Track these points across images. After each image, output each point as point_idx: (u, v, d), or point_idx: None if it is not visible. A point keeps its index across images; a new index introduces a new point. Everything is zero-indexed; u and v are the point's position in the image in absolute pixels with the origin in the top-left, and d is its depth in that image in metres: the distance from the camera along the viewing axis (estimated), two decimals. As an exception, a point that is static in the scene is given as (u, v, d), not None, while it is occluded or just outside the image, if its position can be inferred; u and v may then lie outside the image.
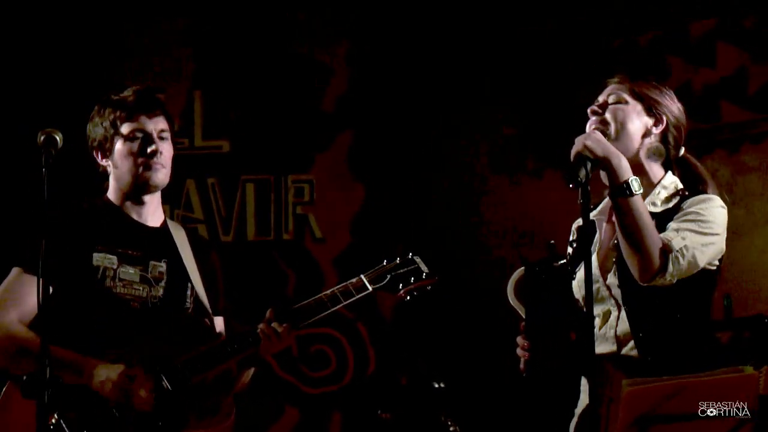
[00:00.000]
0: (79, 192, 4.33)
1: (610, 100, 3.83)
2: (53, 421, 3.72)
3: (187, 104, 6.93)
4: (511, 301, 3.70)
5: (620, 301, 3.71)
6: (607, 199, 3.82)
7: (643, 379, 3.30)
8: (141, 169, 4.11)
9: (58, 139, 3.62)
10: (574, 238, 3.94)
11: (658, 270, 3.54)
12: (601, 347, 3.69)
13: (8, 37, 6.76)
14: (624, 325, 3.70)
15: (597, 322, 3.73)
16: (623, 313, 3.70)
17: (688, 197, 3.74)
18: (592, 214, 3.85)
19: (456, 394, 5.87)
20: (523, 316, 3.66)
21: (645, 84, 3.88)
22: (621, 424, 3.14)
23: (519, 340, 3.68)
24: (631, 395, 3.14)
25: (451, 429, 5.62)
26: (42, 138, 3.62)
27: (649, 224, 3.57)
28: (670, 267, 3.55)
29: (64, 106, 6.34)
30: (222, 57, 6.92)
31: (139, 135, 4.12)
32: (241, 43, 6.90)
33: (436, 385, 5.81)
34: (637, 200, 3.57)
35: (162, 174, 4.15)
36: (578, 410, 3.83)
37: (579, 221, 3.95)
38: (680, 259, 3.56)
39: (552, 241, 3.66)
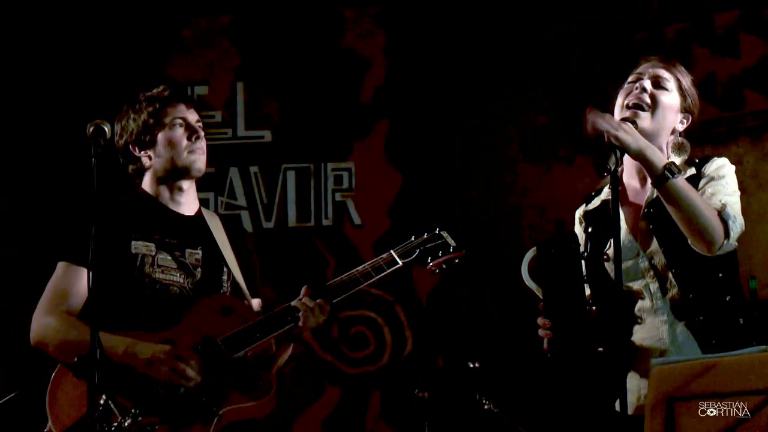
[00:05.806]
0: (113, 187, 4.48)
1: (661, 82, 3.78)
2: (101, 401, 3.70)
3: (231, 96, 7.01)
4: (526, 282, 3.69)
5: (659, 269, 3.68)
6: None
7: (671, 359, 3.35)
8: (185, 154, 4.22)
9: (106, 129, 3.65)
10: (584, 225, 3.90)
11: (724, 238, 3.56)
12: (654, 320, 3.69)
13: (55, 32, 6.87)
14: (674, 290, 3.69)
15: (645, 297, 3.73)
16: (670, 280, 3.68)
17: (700, 164, 3.75)
18: (603, 196, 3.90)
19: (491, 373, 5.85)
20: (540, 296, 3.67)
21: (688, 75, 3.83)
22: (649, 402, 3.11)
23: (539, 320, 3.66)
24: (660, 373, 3.10)
25: (487, 407, 5.58)
26: (91, 129, 3.64)
27: (699, 198, 3.56)
28: (732, 232, 3.57)
29: (110, 100, 6.52)
30: (264, 50, 6.98)
31: (181, 123, 4.24)
32: (282, 36, 6.96)
33: (472, 365, 5.77)
34: (681, 180, 3.56)
35: (202, 161, 4.26)
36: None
37: (582, 209, 3.96)
38: (735, 221, 3.59)
39: (560, 218, 3.70)
